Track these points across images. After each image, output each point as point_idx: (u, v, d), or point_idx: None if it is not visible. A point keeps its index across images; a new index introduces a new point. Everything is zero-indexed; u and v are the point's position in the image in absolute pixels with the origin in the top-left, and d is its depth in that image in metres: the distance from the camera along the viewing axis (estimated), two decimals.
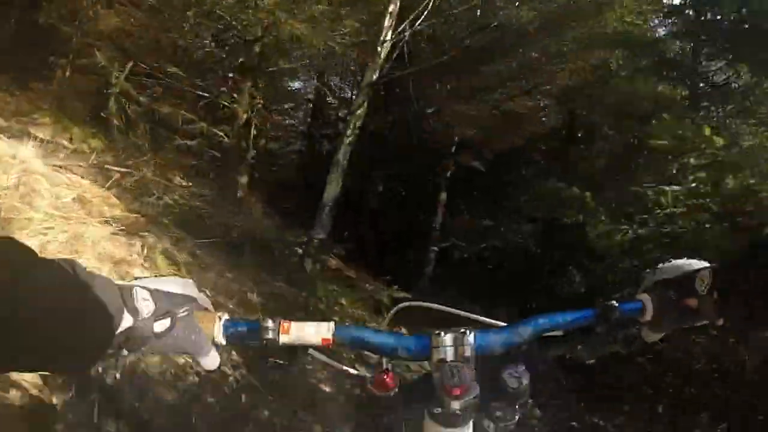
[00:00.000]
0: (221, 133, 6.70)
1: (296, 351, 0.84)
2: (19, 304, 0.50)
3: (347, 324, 0.85)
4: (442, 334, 0.73)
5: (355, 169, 7.78)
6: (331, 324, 0.75)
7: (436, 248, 10.39)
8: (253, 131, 7.28)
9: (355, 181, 8.95)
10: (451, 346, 0.72)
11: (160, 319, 0.65)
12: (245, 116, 6.81)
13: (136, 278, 0.70)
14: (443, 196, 10.50)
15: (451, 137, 9.94)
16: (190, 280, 0.75)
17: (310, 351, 0.78)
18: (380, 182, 11.72)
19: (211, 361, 0.73)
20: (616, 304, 0.77)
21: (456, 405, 0.71)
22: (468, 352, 0.72)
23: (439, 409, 0.73)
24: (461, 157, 10.23)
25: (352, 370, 0.81)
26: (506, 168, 10.88)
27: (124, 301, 0.61)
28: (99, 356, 0.60)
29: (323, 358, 0.78)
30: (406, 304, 0.87)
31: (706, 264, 0.79)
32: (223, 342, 0.73)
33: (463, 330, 0.74)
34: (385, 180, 11.74)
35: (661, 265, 0.83)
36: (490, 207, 10.79)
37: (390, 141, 10.40)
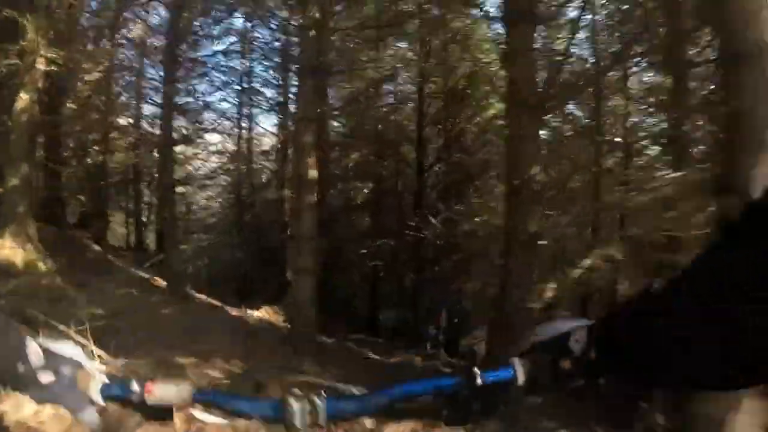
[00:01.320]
0: None
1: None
2: None
3: (207, 388, 0.76)
4: (292, 400, 0.76)
5: None
6: (190, 387, 0.81)
7: None
8: None
9: None
10: (301, 412, 0.75)
11: (46, 372, 0.78)
12: None
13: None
14: None
15: None
16: (80, 349, 0.83)
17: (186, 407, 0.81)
18: None
19: (89, 417, 0.82)
20: (479, 372, 0.77)
21: None
22: (319, 419, 0.75)
23: None
24: None
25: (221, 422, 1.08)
26: None
27: (20, 352, 0.76)
28: None
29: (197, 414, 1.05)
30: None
31: (583, 321, 0.77)
32: (101, 401, 0.81)
33: (313, 397, 0.76)
34: None
35: (539, 326, 0.82)
36: None
37: None
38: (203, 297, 11.02)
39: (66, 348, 0.81)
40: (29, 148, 7.30)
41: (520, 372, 0.76)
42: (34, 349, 0.75)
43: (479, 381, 0.75)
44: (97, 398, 0.80)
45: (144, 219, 17.67)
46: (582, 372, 0.74)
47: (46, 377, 0.76)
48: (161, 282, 10.76)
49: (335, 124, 13.40)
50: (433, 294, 12.06)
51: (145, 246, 16.78)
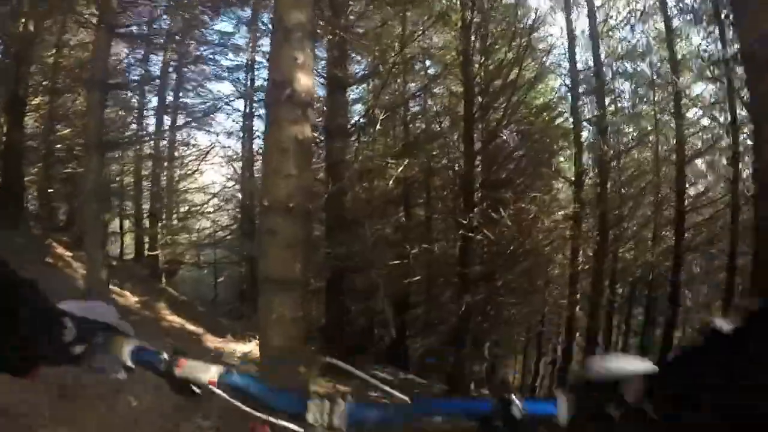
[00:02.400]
0: None
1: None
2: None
3: (235, 372, 0.82)
4: (317, 399, 0.76)
5: None
6: (220, 368, 0.81)
7: None
8: None
9: None
10: (322, 412, 0.74)
11: (79, 344, 0.78)
12: None
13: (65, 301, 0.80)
14: None
15: None
16: (113, 308, 0.84)
17: (210, 386, 0.82)
18: None
19: (119, 377, 0.83)
20: (518, 401, 0.69)
21: None
22: (338, 422, 0.74)
23: None
24: None
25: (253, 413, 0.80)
26: None
27: (52, 329, 0.75)
28: (27, 367, 0.76)
29: (222, 394, 0.81)
30: (331, 360, 0.91)
31: (643, 365, 0.66)
32: (131, 366, 0.83)
33: (338, 400, 0.75)
34: None
35: (589, 363, 0.72)
36: None
37: None
38: (175, 319, 8.34)
39: (97, 309, 0.82)
40: None
41: (562, 408, 0.68)
42: (67, 324, 0.75)
43: (517, 411, 0.68)
44: (128, 361, 0.82)
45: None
46: (632, 426, 0.63)
47: (78, 348, 0.77)
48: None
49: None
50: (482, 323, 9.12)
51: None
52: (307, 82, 3.93)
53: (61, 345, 0.75)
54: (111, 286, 8.85)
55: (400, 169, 6.25)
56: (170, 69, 13.10)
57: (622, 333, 15.88)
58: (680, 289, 9.91)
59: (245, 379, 0.80)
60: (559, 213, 9.08)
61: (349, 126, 8.67)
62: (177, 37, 10.35)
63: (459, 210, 8.16)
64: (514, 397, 0.69)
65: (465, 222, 7.29)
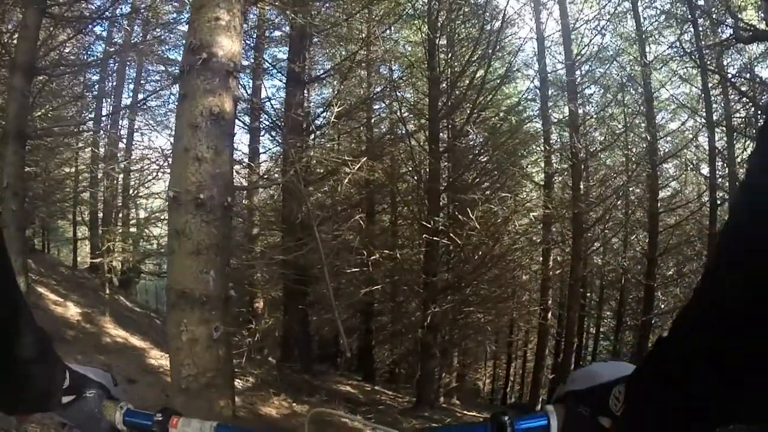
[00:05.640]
0: None
1: None
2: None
3: (229, 425, 0.82)
4: None
5: None
6: (214, 424, 0.79)
7: None
8: None
9: None
10: None
11: (69, 394, 0.77)
12: None
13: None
14: None
15: None
16: (109, 374, 0.84)
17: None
18: None
19: None
20: (509, 419, 0.69)
21: None
22: None
23: None
24: None
25: None
26: None
27: (51, 375, 0.74)
28: (22, 408, 0.75)
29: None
30: (320, 410, 0.88)
31: (627, 372, 0.62)
32: (123, 428, 0.82)
33: None
34: None
35: (575, 373, 0.71)
36: None
37: None
38: (119, 333, 7.62)
39: (94, 372, 0.81)
40: None
41: (554, 422, 0.68)
42: (61, 370, 0.75)
43: (509, 430, 0.69)
44: (120, 426, 0.80)
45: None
46: None
47: (67, 398, 0.76)
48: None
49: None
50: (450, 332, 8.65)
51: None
52: (232, 46, 3.24)
53: (55, 391, 0.74)
54: (55, 297, 8.14)
55: (357, 167, 5.76)
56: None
57: (592, 337, 15.74)
58: (653, 292, 9.70)
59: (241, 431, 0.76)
60: (532, 215, 8.73)
61: (306, 125, 8.15)
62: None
63: (424, 214, 7.73)
64: (506, 418, 0.69)
65: (429, 225, 6.85)
